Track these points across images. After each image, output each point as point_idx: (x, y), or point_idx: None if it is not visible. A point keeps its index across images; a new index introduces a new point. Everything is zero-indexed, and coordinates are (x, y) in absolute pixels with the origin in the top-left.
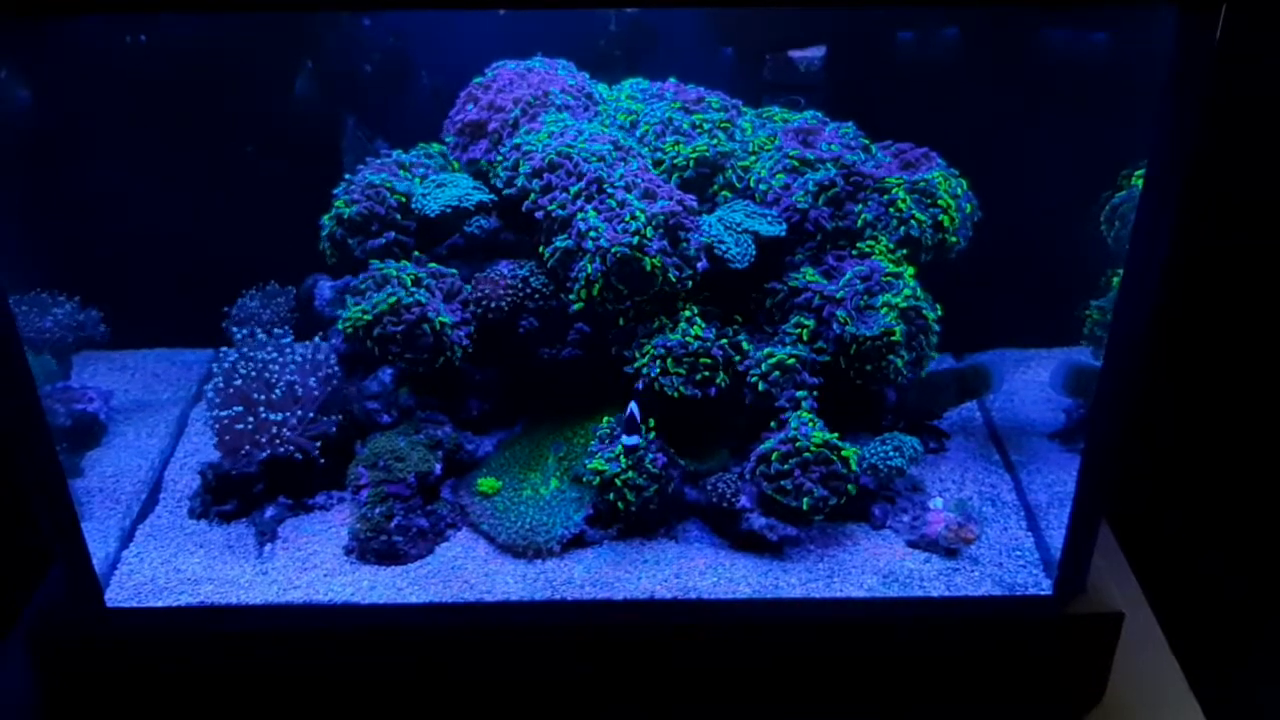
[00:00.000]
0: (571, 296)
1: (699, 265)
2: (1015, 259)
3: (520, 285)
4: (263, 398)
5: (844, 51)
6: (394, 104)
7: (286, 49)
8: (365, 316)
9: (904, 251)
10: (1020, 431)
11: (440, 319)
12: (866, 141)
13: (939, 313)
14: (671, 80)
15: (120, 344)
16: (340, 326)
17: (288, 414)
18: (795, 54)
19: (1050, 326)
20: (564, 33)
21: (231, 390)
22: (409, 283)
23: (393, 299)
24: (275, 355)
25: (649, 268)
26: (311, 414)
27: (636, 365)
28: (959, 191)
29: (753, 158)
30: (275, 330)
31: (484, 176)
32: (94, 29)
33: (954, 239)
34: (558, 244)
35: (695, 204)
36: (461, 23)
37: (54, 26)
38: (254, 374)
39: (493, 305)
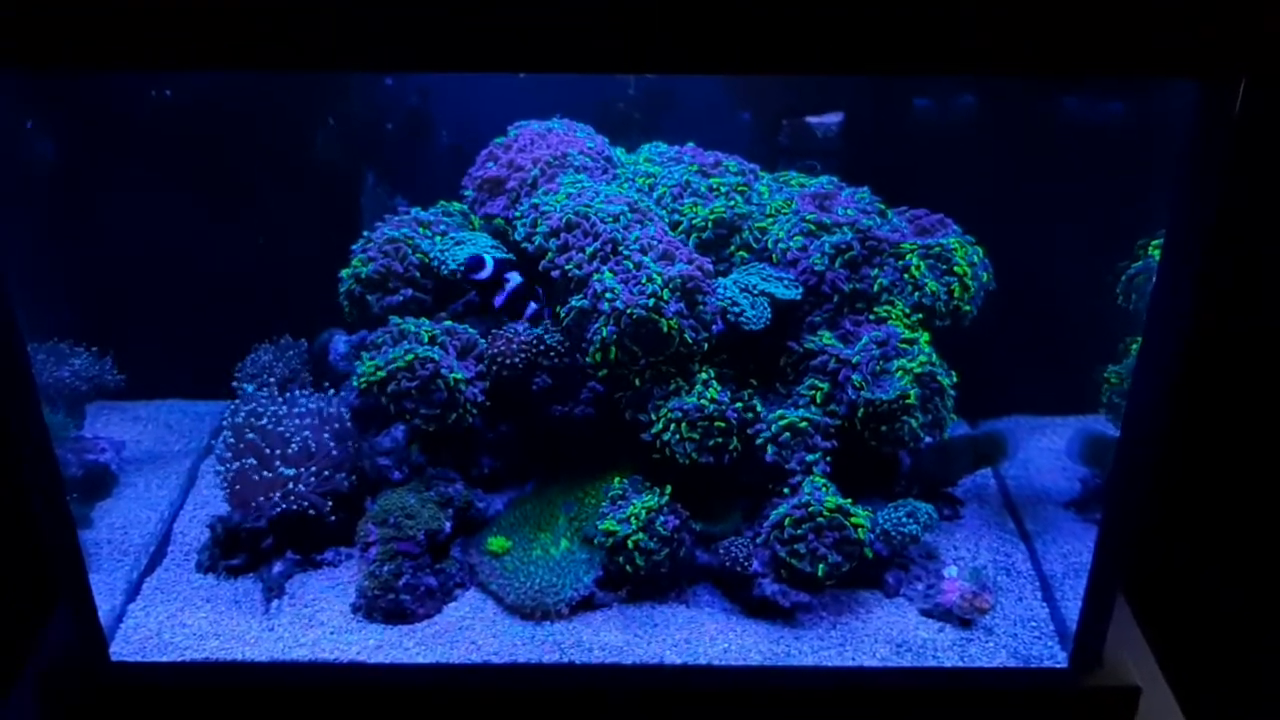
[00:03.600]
0: (588, 360)
1: (715, 327)
2: (1030, 325)
3: (535, 343)
4: (277, 452)
5: (861, 118)
6: (414, 162)
7: (309, 106)
8: (380, 372)
9: (919, 316)
10: (1035, 500)
11: (455, 375)
12: (882, 206)
13: (954, 378)
14: (690, 145)
15: (134, 394)
16: (355, 382)
17: (301, 469)
18: (812, 120)
19: (1066, 393)
20: (584, 96)
21: (244, 443)
22: (425, 339)
23: (409, 355)
24: (287, 409)
25: (665, 329)
26: (326, 470)
27: (654, 431)
28: (975, 259)
29: (770, 220)
30: (291, 386)
31: (502, 235)
32: (120, 82)
33: (968, 307)
34: (574, 303)
35: (711, 267)
36: (484, 84)
37: (82, 81)
38: (267, 427)
39: (507, 363)
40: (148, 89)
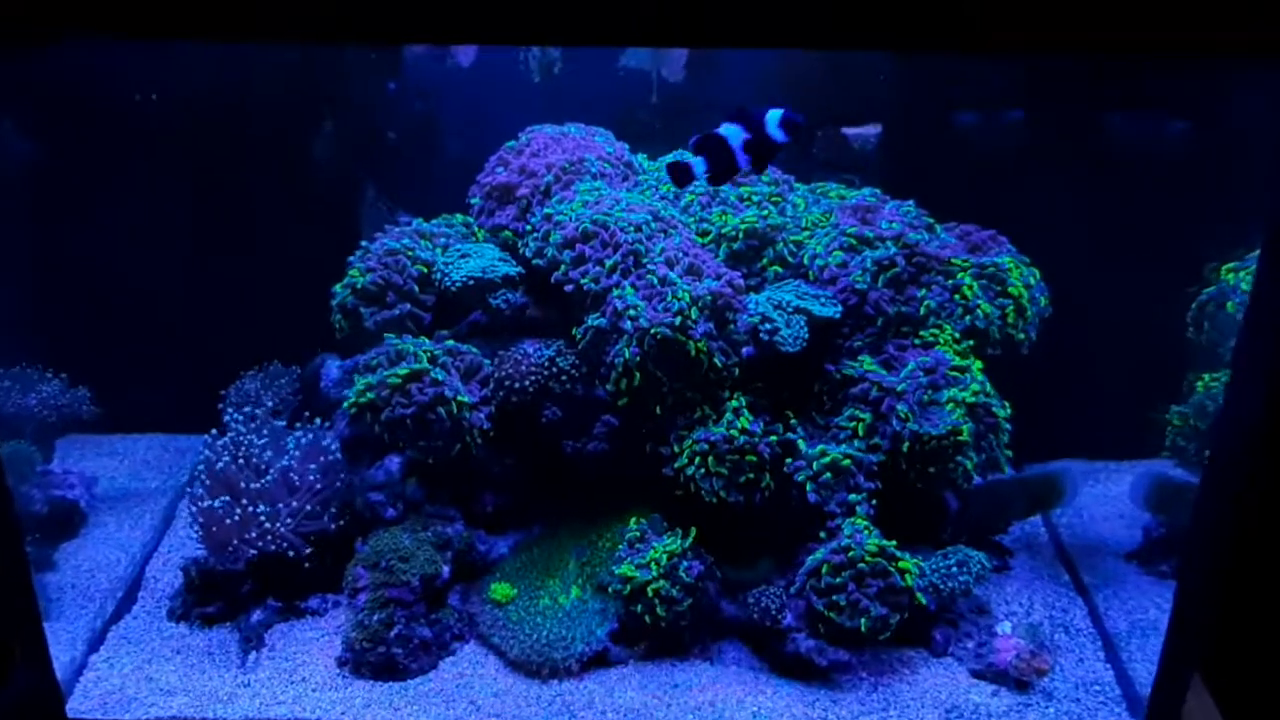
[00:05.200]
0: (609, 387)
1: (745, 350)
2: (1082, 359)
3: (546, 365)
4: (254, 487)
5: (901, 130)
6: (418, 174)
7: (305, 112)
8: (371, 394)
9: (970, 343)
10: (1092, 550)
11: (459, 399)
12: (930, 220)
13: (1008, 410)
14: None
15: (111, 426)
16: (345, 406)
17: (281, 505)
18: (849, 131)
19: (1122, 435)
20: (603, 105)
21: (218, 477)
22: (424, 359)
23: (405, 372)
24: (269, 439)
25: (693, 352)
26: (309, 506)
27: (677, 465)
28: (1031, 280)
29: (806, 233)
30: (280, 416)
31: (511, 249)
32: (102, 83)
33: (1022, 335)
34: (590, 322)
35: (743, 283)
36: (494, 91)
37: (62, 81)
38: (245, 459)
39: (515, 387)
40: (131, 92)
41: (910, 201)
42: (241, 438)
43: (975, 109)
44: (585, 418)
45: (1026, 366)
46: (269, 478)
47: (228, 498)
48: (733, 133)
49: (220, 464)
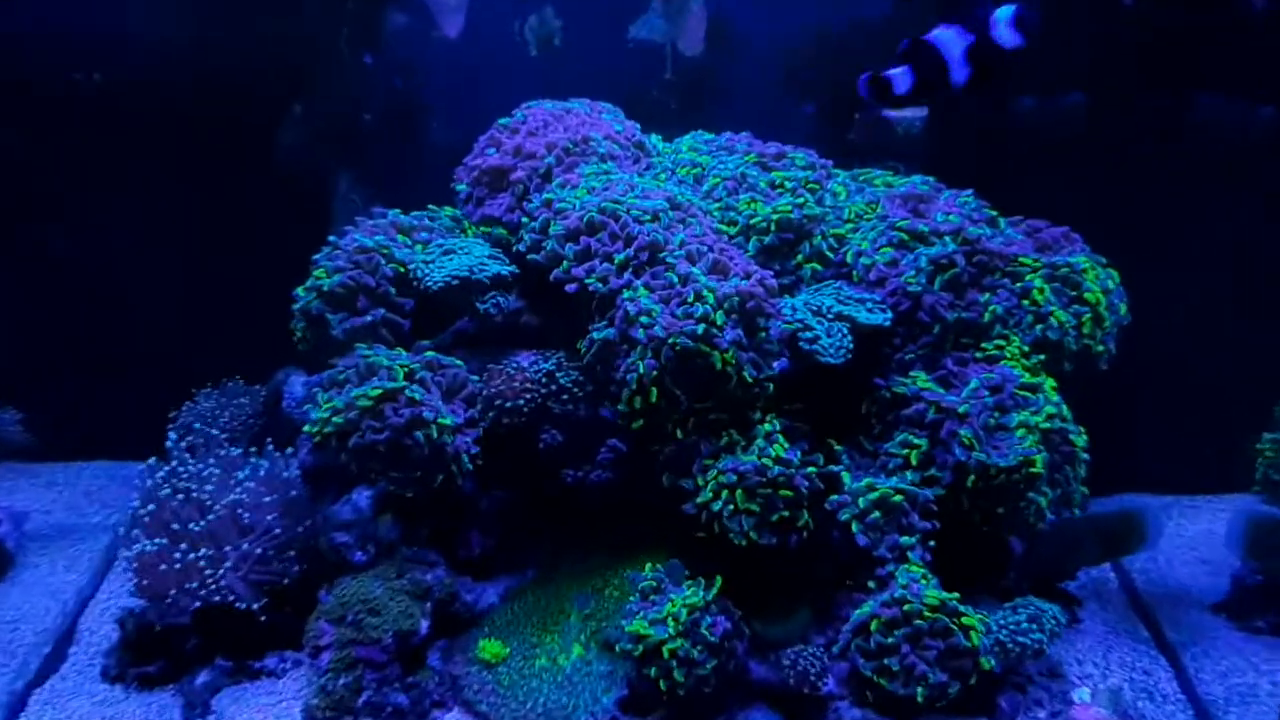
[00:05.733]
0: (620, 407)
1: (777, 363)
2: (1158, 375)
3: (544, 382)
4: (196, 527)
5: (950, 113)
6: (399, 162)
7: (269, 93)
8: (338, 418)
9: (1041, 357)
10: (1172, 600)
11: (440, 420)
12: (993, 213)
13: (1086, 439)
14: (744, 134)
15: (50, 454)
16: (307, 431)
17: (229, 548)
18: (892, 114)
19: (1202, 465)
20: (608, 82)
21: (156, 515)
22: (400, 375)
23: (376, 391)
24: (218, 469)
25: (719, 365)
26: (263, 549)
27: (700, 501)
28: (1110, 284)
29: (848, 226)
30: (239, 441)
31: (504, 244)
32: (32, 58)
33: (1101, 347)
34: (597, 335)
35: (775, 282)
36: (485, 67)
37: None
38: (187, 494)
39: (507, 406)
40: (69, 71)
41: (968, 191)
42: (184, 468)
43: (1037, 89)
44: (589, 442)
45: (1090, 382)
46: (215, 515)
47: (166, 539)
48: (948, 38)
49: (158, 499)
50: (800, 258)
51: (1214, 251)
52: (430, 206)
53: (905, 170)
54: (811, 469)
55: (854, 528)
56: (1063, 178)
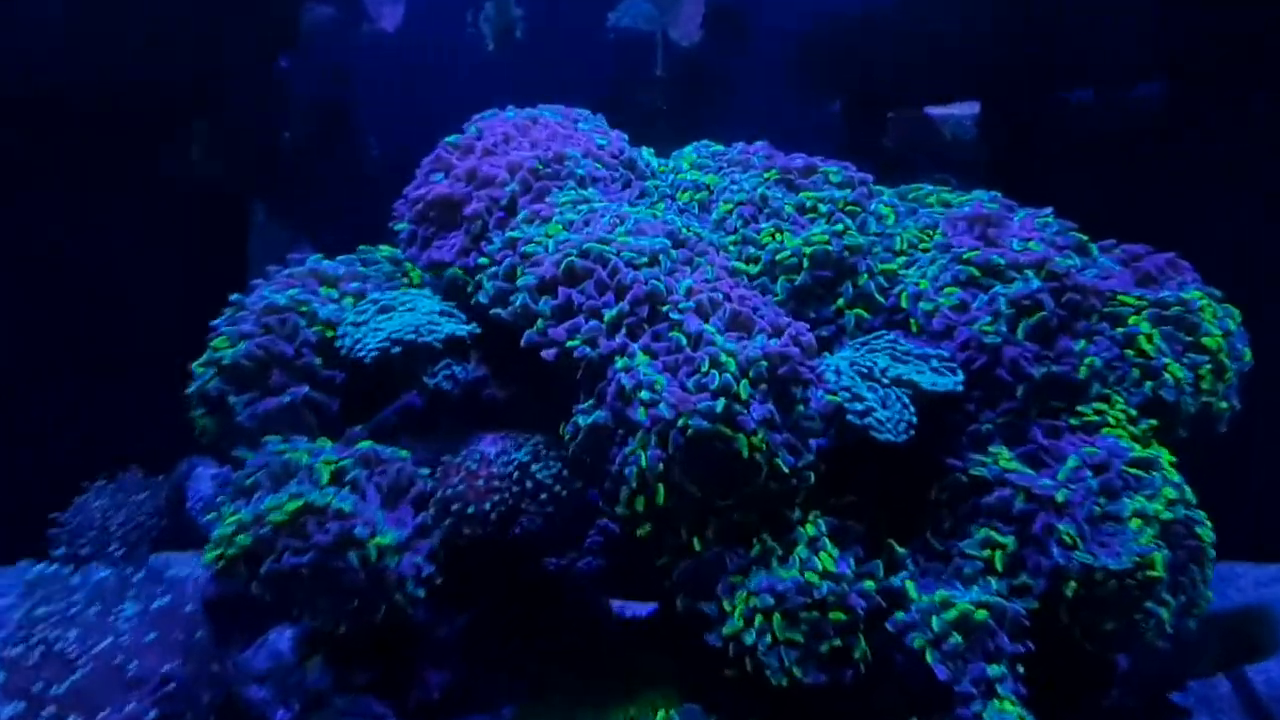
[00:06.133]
0: (619, 509)
1: (815, 441)
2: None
3: (515, 477)
4: (58, 690)
5: (1009, 109)
6: (328, 187)
7: (163, 107)
8: (245, 537)
9: (1153, 422)
10: None
11: (378, 540)
12: (1082, 237)
13: (1212, 531)
14: (759, 144)
15: None
16: (207, 557)
17: (108, 713)
18: (935, 112)
19: None
20: (585, 81)
21: (10, 679)
22: (325, 476)
23: (295, 504)
24: (91, 602)
25: (745, 452)
26: (156, 712)
27: (727, 632)
28: (1230, 325)
29: (901, 260)
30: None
31: (460, 294)
32: None
33: (1224, 404)
34: (582, 417)
35: (813, 338)
36: (432, 67)
37: None
38: (50, 638)
39: (469, 513)
40: None
41: (1047, 211)
42: (52, 597)
43: (1111, 80)
44: (573, 523)
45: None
46: (83, 670)
47: (23, 704)
48: None
49: (9, 652)
50: (841, 302)
51: None
52: (363, 247)
53: (959, 184)
54: (869, 583)
55: (929, 657)
56: (1149, 189)
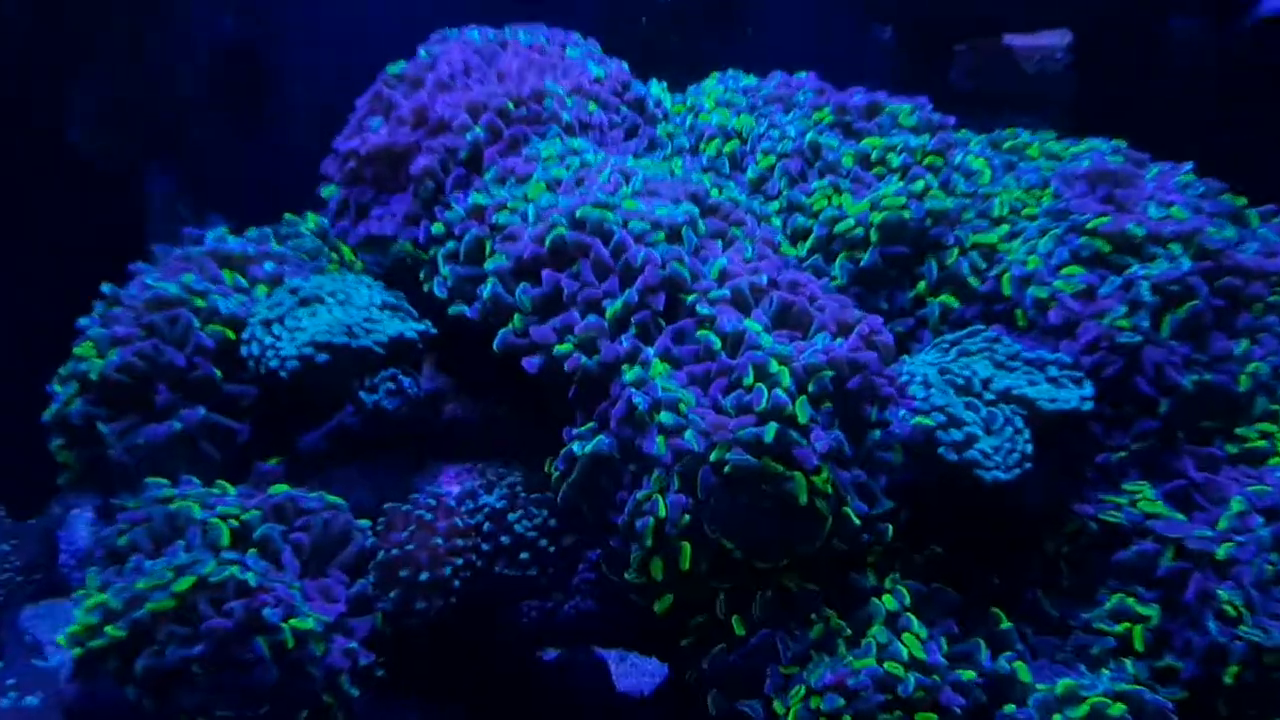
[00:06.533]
0: (629, 575)
1: (884, 479)
2: None
3: (486, 530)
4: None
5: (1110, 40)
6: (241, 149)
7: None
8: (116, 628)
9: None
10: None
11: (296, 623)
12: (1238, 203)
13: None
14: (806, 75)
15: None
16: (62, 646)
17: None
18: (1016, 41)
19: None
20: (572, 11)
21: None
22: (225, 535)
23: (185, 583)
24: None
25: (804, 498)
26: None
27: None
28: None
29: (1001, 230)
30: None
31: (408, 276)
32: None
33: None
34: (578, 445)
35: (890, 338)
36: None
37: None
38: None
39: (423, 580)
40: None
41: (1187, 166)
42: None
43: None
44: (557, 561)
45: None
46: None
47: None
48: None
49: None
50: (922, 287)
51: None
52: (288, 216)
53: (1043, 124)
54: (968, 672)
55: None
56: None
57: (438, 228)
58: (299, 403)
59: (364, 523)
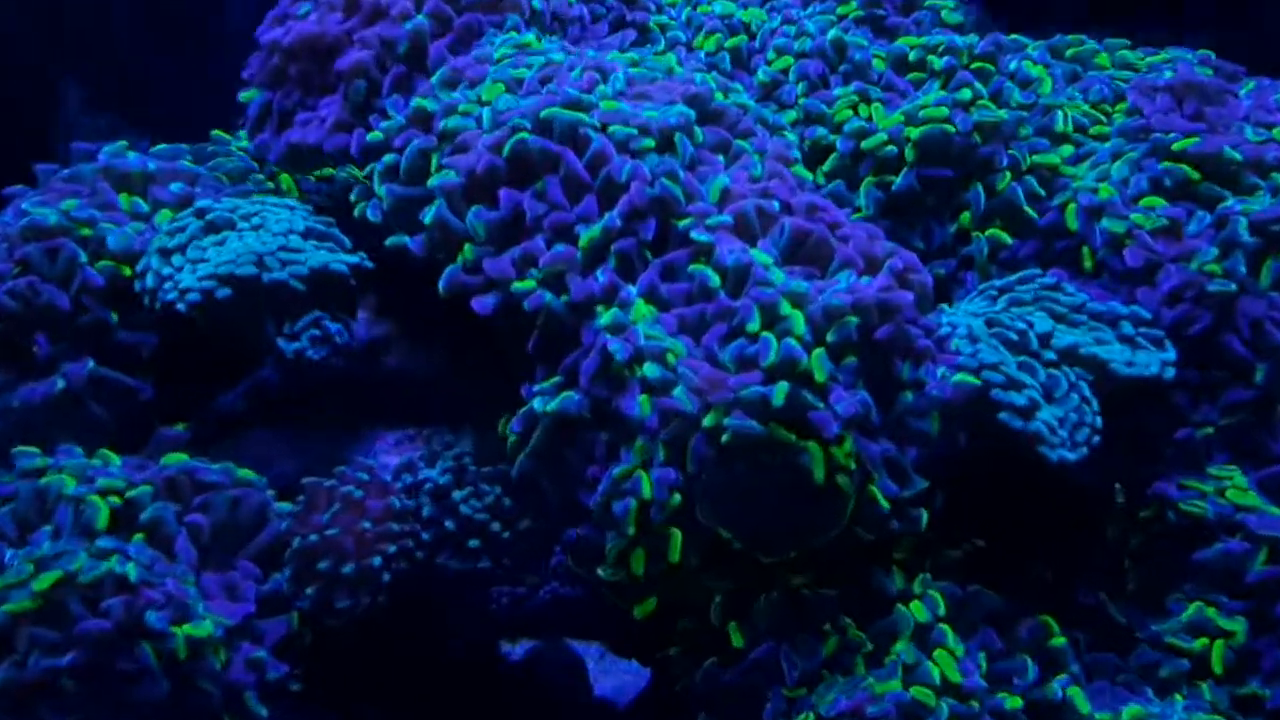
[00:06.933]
0: (603, 571)
1: (912, 452)
2: None
3: (426, 513)
4: None
5: None
6: (169, 61)
7: None
8: None
9: None
10: None
11: (190, 629)
12: None
13: None
14: None
15: None
16: None
17: None
18: None
19: None
20: None
21: None
22: (103, 516)
23: (48, 579)
24: None
25: (821, 474)
26: None
27: None
28: None
29: (1064, 149)
30: None
31: (341, 198)
32: None
33: None
34: (539, 402)
35: (929, 278)
36: None
37: None
38: None
39: (346, 573)
40: None
41: None
42: None
43: None
44: (527, 544)
45: None
46: None
47: None
48: None
49: None
50: (967, 218)
51: None
52: (216, 134)
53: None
54: (1012, 699)
55: None
56: None
57: (374, 136)
58: (217, 356)
59: (285, 504)
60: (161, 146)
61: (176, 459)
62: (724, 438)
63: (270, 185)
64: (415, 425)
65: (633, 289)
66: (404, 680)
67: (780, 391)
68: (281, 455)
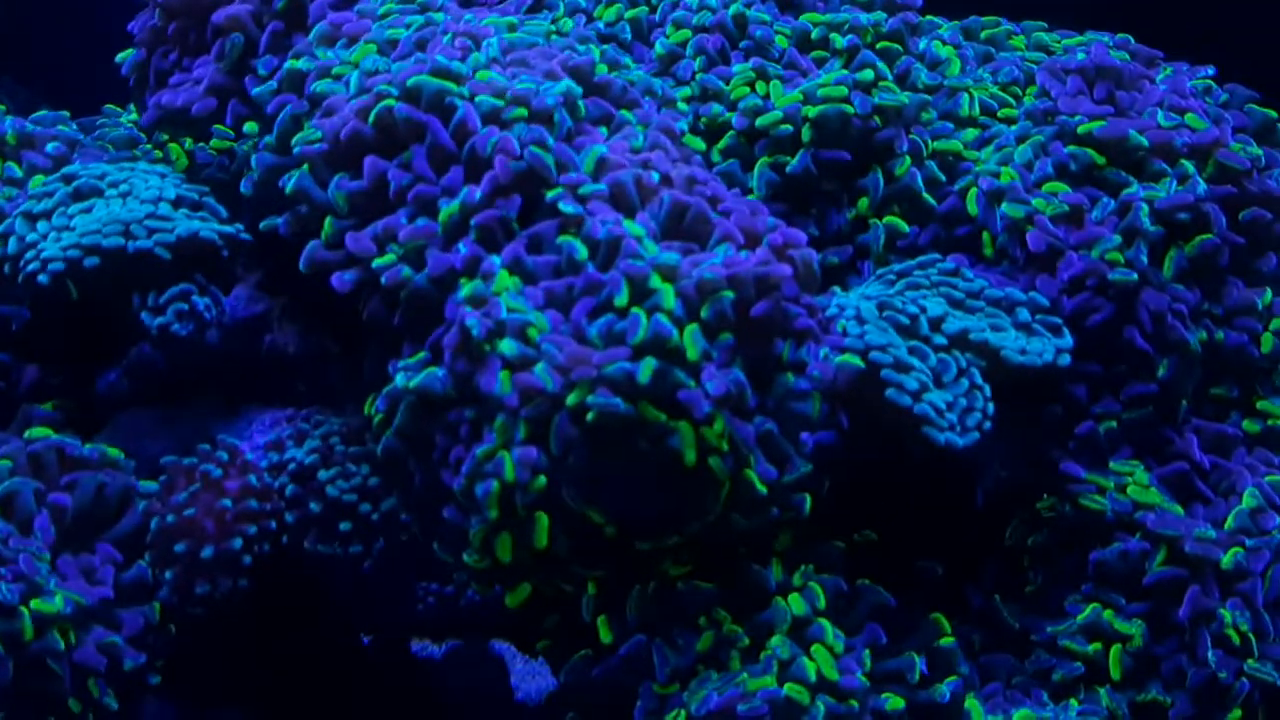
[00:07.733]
0: (468, 557)
1: (808, 439)
2: None
3: (290, 493)
4: None
5: None
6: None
7: None
8: None
9: None
10: None
11: (40, 604)
12: (1270, 115)
13: None
14: None
15: None
16: None
17: None
18: None
19: None
20: None
21: None
22: None
23: None
24: None
25: (692, 456)
26: None
27: None
28: None
29: (969, 133)
30: None
31: (218, 175)
32: None
33: None
34: (401, 377)
35: (813, 254)
36: None
37: None
38: None
39: (203, 558)
40: None
41: (1208, 69)
42: None
43: None
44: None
45: None
46: None
47: None
48: None
49: None
50: (865, 205)
51: None
52: (108, 107)
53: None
54: (894, 700)
55: None
56: None
57: (260, 94)
58: (93, 331)
59: (146, 489)
60: (41, 113)
61: (41, 433)
62: (589, 416)
63: (159, 155)
64: (296, 406)
65: (496, 260)
66: (276, 680)
67: (647, 368)
68: (156, 437)
